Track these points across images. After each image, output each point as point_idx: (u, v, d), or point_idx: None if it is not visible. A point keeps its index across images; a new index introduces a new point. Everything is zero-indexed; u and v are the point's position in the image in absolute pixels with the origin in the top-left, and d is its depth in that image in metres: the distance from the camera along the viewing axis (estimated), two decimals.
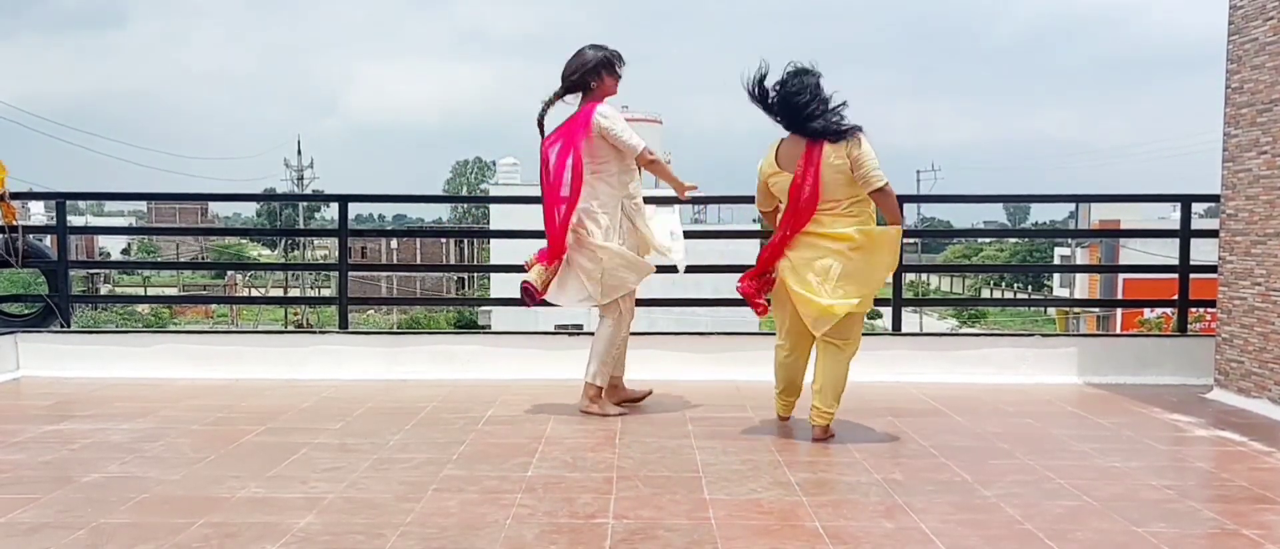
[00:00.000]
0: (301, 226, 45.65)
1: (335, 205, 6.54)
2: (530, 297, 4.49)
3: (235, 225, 53.33)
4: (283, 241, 47.81)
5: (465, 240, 43.03)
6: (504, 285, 20.47)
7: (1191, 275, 6.14)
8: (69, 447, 4.02)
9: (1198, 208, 6.38)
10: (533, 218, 4.86)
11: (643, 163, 4.51)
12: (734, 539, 2.87)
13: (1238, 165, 5.16)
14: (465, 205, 53.51)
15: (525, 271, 4.57)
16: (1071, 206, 26.09)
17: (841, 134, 3.96)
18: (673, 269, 6.72)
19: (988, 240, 49.43)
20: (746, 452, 3.96)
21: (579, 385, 4.71)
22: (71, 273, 6.42)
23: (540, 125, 4.53)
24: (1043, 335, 6.08)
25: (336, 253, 6.65)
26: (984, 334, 7.06)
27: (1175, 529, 3.00)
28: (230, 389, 5.30)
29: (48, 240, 6.54)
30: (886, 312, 6.36)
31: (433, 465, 3.71)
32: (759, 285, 4.14)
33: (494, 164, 55.36)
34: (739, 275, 4.30)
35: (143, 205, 49.11)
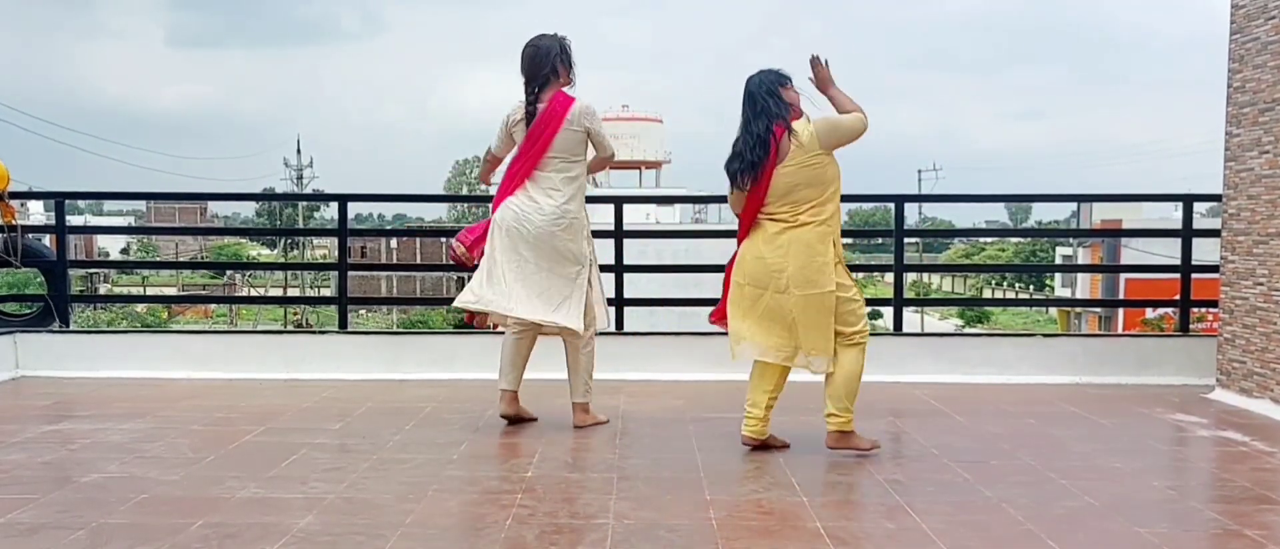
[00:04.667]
0: (301, 226, 45.63)
1: (335, 205, 6.53)
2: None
3: (234, 225, 53.27)
4: (282, 241, 47.75)
5: None
6: None
7: (1193, 275, 6.13)
8: (68, 447, 4.01)
9: (1200, 207, 6.38)
10: None
11: (607, 165, 4.42)
12: (735, 540, 2.86)
13: (1240, 165, 5.15)
14: (465, 205, 53.60)
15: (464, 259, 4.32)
16: (1073, 206, 26.08)
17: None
18: (675, 269, 6.73)
19: (989, 240, 49.35)
20: (747, 452, 3.94)
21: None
22: (70, 272, 6.41)
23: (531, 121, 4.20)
24: (1044, 335, 6.07)
25: (336, 252, 6.64)
26: (986, 334, 7.05)
27: (1177, 529, 3.00)
28: (229, 389, 5.29)
29: (47, 240, 6.53)
30: (887, 312, 6.35)
31: (433, 466, 3.70)
32: None
33: None
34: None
35: (142, 205, 49.06)
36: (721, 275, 4.12)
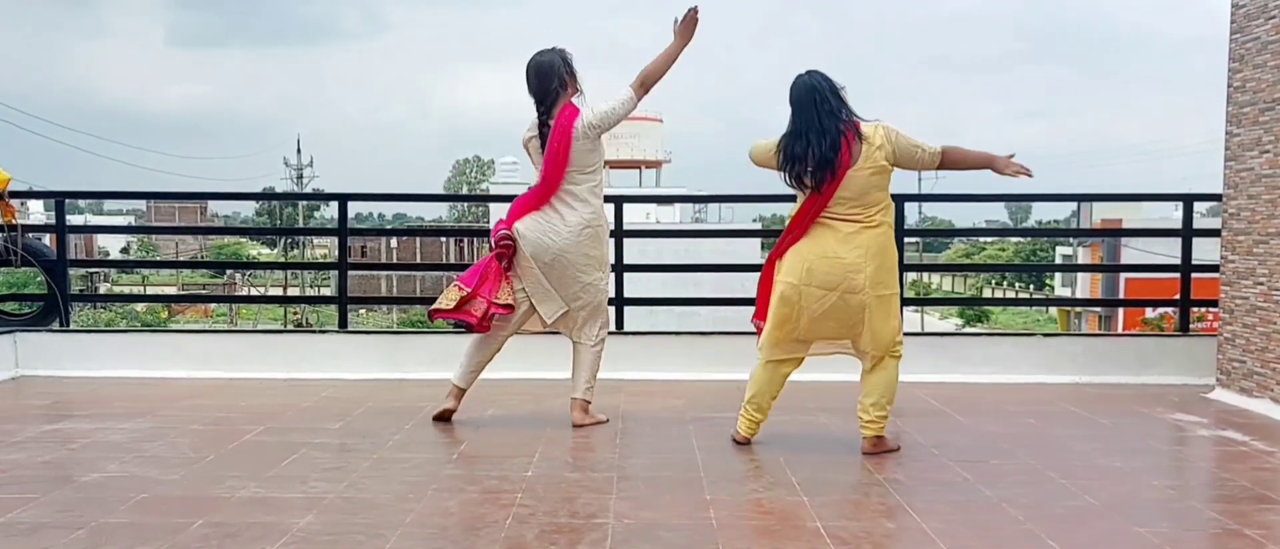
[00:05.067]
0: (301, 225, 45.64)
1: (335, 204, 6.53)
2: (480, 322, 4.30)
3: (234, 224, 53.26)
4: (282, 240, 47.77)
5: (465, 240, 42.98)
6: None
7: (1193, 275, 6.13)
8: (68, 446, 4.01)
9: (1200, 207, 6.38)
10: None
11: (643, 93, 4.27)
12: (735, 540, 2.86)
13: (1240, 164, 5.15)
14: (465, 205, 53.56)
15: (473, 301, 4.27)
16: (1073, 206, 26.07)
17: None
18: (675, 268, 6.74)
19: (990, 240, 49.32)
20: (747, 452, 3.95)
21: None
22: (70, 272, 6.41)
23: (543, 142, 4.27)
24: (1044, 335, 6.06)
25: (336, 252, 6.64)
26: (986, 334, 7.05)
27: (1177, 529, 2.99)
28: (229, 389, 5.29)
29: (47, 239, 6.53)
30: None
31: (433, 465, 3.70)
32: None
33: (494, 163, 55.28)
34: (737, 273, 4.25)
35: (142, 204, 49.09)
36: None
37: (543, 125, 4.23)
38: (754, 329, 4.08)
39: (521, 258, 4.26)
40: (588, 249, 4.26)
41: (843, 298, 3.75)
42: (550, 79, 4.21)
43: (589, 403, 4.42)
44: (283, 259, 40.98)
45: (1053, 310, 36.48)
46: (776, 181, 3.92)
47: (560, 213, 4.23)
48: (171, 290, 36.61)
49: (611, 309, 6.05)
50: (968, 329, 31.44)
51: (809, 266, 3.77)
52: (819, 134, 3.72)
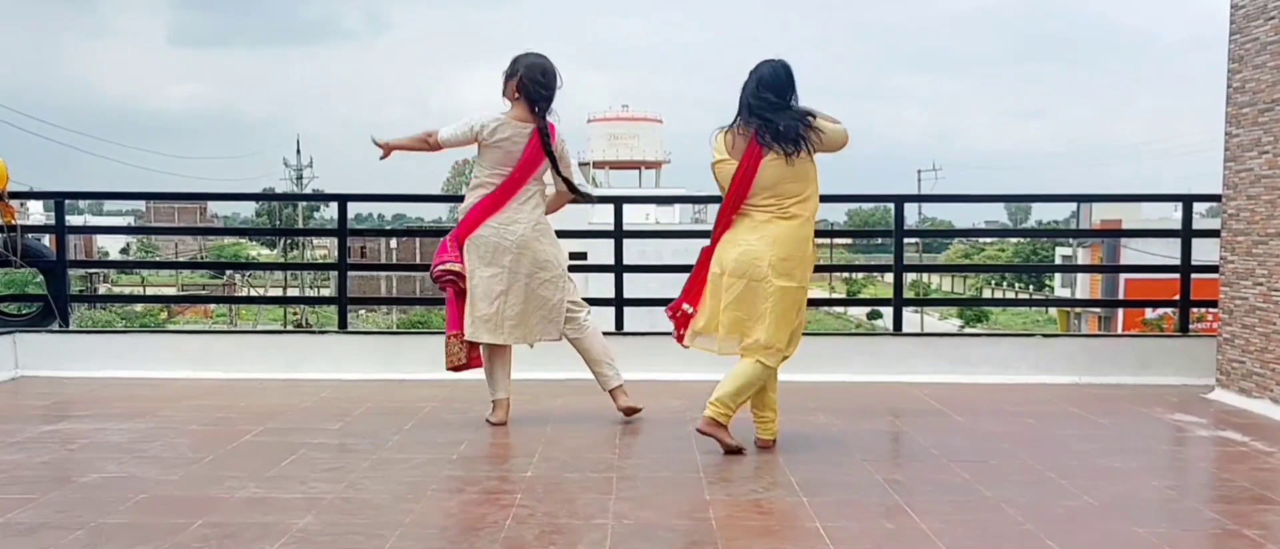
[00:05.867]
0: (301, 226, 45.59)
1: (334, 205, 6.53)
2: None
3: (234, 225, 53.17)
4: (282, 241, 47.74)
5: None
6: None
7: (1193, 275, 6.13)
8: (67, 447, 4.01)
9: (1199, 207, 6.38)
10: None
11: (564, 201, 4.47)
12: (734, 540, 2.86)
13: (1239, 165, 5.15)
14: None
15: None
16: (1073, 206, 26.08)
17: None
18: (675, 269, 6.73)
19: (989, 240, 49.33)
20: (747, 452, 3.94)
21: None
22: (70, 272, 6.40)
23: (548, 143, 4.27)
24: (1044, 335, 6.06)
25: (336, 252, 6.64)
26: (985, 334, 7.06)
27: (1176, 529, 3.00)
28: (229, 389, 5.29)
29: (46, 240, 6.53)
30: (887, 311, 6.36)
31: (432, 466, 3.70)
32: None
33: None
34: None
35: (141, 205, 49.03)
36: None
37: (544, 127, 4.22)
38: (673, 326, 4.12)
39: (477, 259, 4.24)
40: (546, 248, 4.31)
41: (749, 285, 3.79)
42: (556, 85, 4.27)
43: (624, 385, 4.48)
44: (282, 260, 40.94)
45: (1052, 311, 36.49)
46: None
47: (515, 213, 4.26)
48: (171, 291, 36.61)
49: (611, 309, 6.08)
50: (967, 329, 31.46)
51: (728, 254, 3.84)
52: (794, 118, 3.81)
